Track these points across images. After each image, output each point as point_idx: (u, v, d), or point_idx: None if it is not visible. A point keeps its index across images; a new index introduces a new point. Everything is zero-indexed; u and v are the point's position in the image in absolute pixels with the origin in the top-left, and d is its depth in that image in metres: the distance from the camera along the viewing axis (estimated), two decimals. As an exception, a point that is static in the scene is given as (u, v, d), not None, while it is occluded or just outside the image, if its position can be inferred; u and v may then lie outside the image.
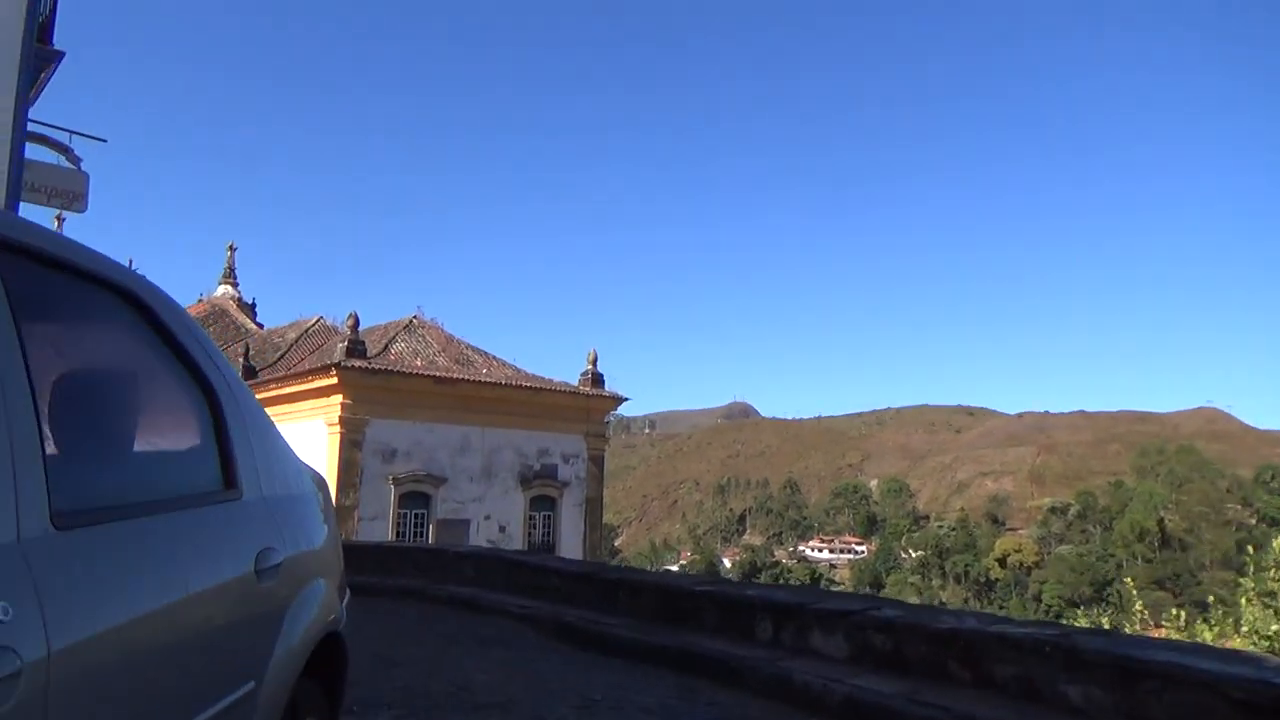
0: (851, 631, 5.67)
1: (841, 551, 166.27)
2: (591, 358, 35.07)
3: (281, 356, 36.37)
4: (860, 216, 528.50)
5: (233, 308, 46.52)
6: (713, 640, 6.60)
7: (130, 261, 46.34)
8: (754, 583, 9.44)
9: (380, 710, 5.11)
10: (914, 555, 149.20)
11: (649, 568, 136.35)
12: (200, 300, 47.88)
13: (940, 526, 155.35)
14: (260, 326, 45.27)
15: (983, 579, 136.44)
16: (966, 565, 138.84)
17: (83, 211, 7.50)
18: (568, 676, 6.22)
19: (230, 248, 50.56)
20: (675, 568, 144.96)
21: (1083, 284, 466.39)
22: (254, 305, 49.42)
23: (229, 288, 48.77)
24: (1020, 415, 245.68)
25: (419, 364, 31.53)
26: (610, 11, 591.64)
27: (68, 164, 7.63)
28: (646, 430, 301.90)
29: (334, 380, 29.00)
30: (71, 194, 7.34)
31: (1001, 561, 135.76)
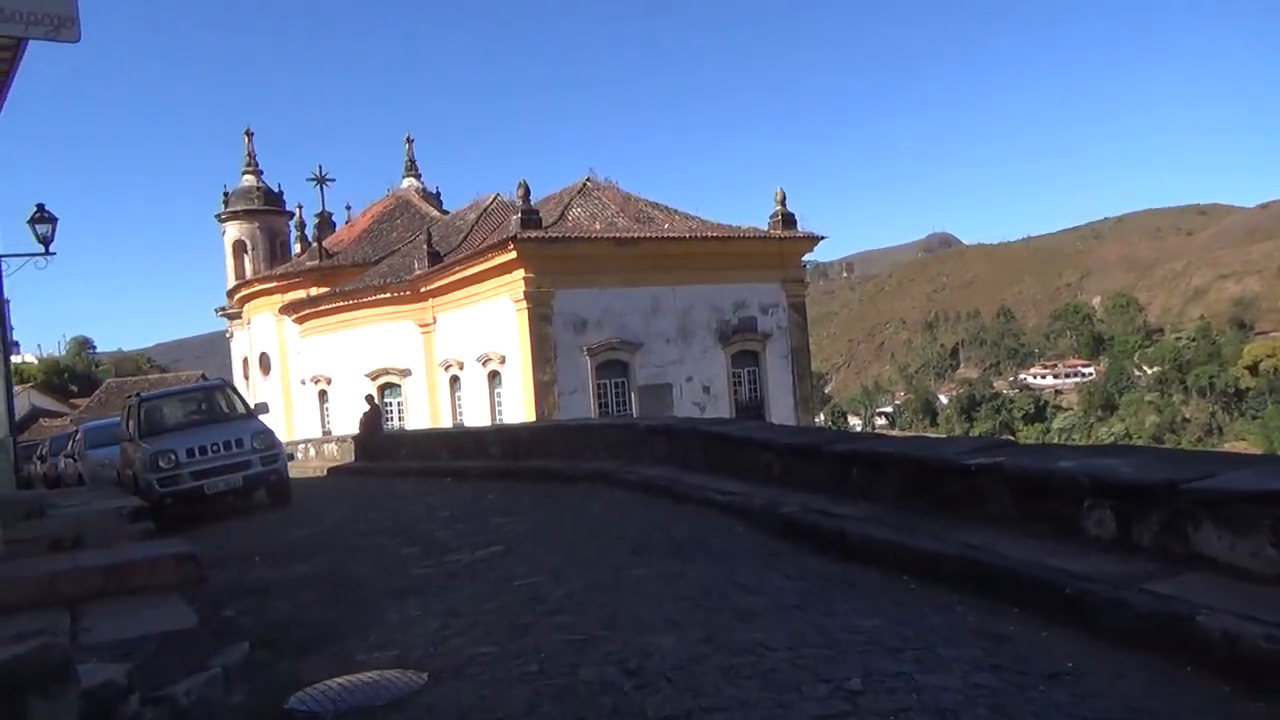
0: (1286, 529, 3.26)
1: (1066, 376, 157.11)
2: (779, 198, 32.16)
3: (464, 239, 35.65)
4: (1054, 17, 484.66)
5: (416, 198, 46.45)
6: (1012, 541, 4.31)
7: (320, 168, 47.19)
8: (1061, 446, 6.57)
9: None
10: (1149, 372, 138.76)
11: (862, 412, 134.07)
12: (388, 194, 48.11)
13: (1178, 339, 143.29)
14: (446, 214, 44.89)
15: (1231, 389, 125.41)
16: (1211, 377, 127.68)
17: (75, 40, 5.76)
18: (798, 620, 4.06)
19: (408, 140, 50.22)
20: (889, 409, 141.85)
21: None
22: (438, 194, 49.22)
23: (412, 180, 48.75)
24: (1264, 206, 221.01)
25: (598, 227, 29.73)
26: None
27: (45, -21, 5.85)
28: (844, 274, 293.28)
29: (513, 255, 27.69)
30: (57, 18, 5.58)
31: (1253, 369, 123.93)
